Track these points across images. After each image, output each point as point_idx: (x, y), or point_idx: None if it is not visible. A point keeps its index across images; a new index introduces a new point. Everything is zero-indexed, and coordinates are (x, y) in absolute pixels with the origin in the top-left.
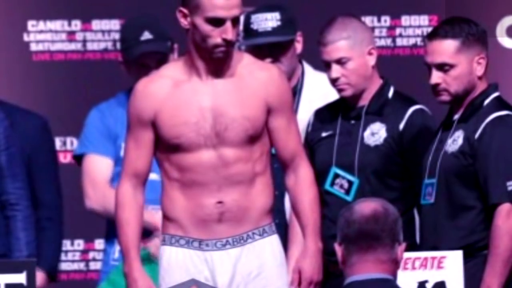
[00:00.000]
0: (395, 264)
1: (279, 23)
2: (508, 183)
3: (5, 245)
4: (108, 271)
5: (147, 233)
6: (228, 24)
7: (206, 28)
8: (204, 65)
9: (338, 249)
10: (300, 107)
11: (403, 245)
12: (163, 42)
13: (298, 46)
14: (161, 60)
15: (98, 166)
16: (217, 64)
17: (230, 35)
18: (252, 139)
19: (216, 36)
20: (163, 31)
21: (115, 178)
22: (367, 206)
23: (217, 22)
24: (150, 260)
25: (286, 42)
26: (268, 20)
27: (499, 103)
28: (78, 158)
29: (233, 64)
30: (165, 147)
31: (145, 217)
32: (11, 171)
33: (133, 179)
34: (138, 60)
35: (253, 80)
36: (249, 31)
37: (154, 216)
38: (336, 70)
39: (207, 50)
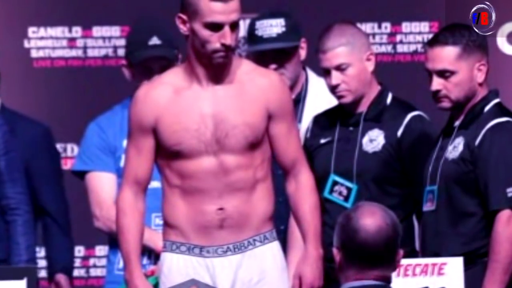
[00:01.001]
0: (393, 271)
1: (284, 29)
2: (508, 190)
3: (5, 250)
4: (113, 281)
5: (156, 257)
6: (227, 29)
7: (205, 33)
8: (204, 71)
9: (336, 253)
10: (304, 114)
11: (401, 252)
12: (170, 48)
13: (302, 53)
14: (165, 66)
15: (102, 184)
16: (217, 70)
17: (228, 40)
18: (252, 146)
19: (215, 41)
20: (171, 37)
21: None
22: (373, 224)
23: (215, 27)
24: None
25: (291, 48)
26: (273, 27)
27: (499, 110)
28: (78, 173)
29: (233, 70)
30: (166, 154)
31: (149, 240)
32: (10, 175)
33: (134, 186)
34: (143, 63)
35: (253, 86)
36: (253, 37)
37: (157, 242)
38: (336, 77)
39: (206, 56)
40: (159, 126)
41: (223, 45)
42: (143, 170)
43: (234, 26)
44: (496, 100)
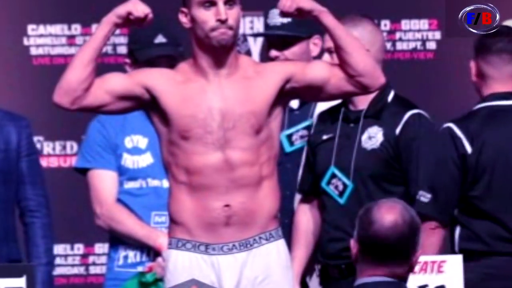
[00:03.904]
0: (409, 270)
1: (290, 20)
2: (420, 193)
3: (19, 251)
4: (113, 277)
5: (155, 254)
6: (220, 5)
7: (200, 14)
8: (208, 63)
9: (353, 245)
10: (316, 110)
11: (419, 252)
12: (176, 46)
13: (314, 49)
14: (171, 64)
15: (104, 183)
16: (220, 57)
17: (223, 14)
18: (258, 138)
19: (210, 20)
20: (176, 35)
21: (121, 188)
22: (388, 218)
23: (209, 5)
24: (157, 282)
25: (291, 38)
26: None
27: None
28: (80, 170)
29: (237, 63)
30: (173, 146)
31: (148, 238)
32: (31, 177)
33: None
34: (149, 62)
35: (258, 76)
36: (265, 24)
37: (156, 240)
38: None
39: (207, 39)
40: (163, 102)
41: (218, 20)
42: (98, 86)
43: (231, 4)
44: None
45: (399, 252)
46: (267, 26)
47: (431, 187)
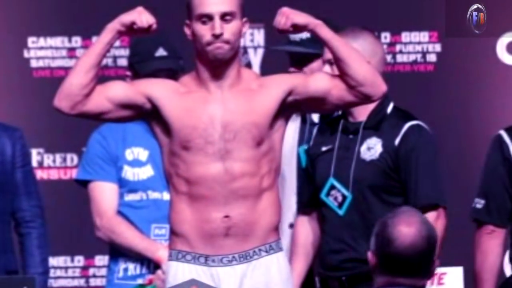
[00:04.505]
0: (428, 278)
1: (309, 35)
2: (475, 200)
3: (16, 262)
4: None
5: (155, 266)
6: (216, 19)
7: (198, 27)
8: (209, 75)
9: (371, 257)
10: None
11: (437, 262)
12: (176, 59)
13: None
14: (172, 78)
15: (104, 195)
16: (220, 70)
17: (218, 29)
18: (259, 150)
19: (207, 34)
20: (176, 48)
21: (121, 200)
22: (407, 235)
23: (206, 19)
24: None
25: (311, 54)
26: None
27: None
28: (81, 182)
29: (240, 76)
30: (174, 156)
31: (147, 250)
32: (26, 188)
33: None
34: (150, 75)
35: (261, 88)
36: (285, 38)
37: (156, 252)
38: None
39: (204, 53)
40: (165, 111)
41: (213, 35)
42: (98, 93)
43: (228, 18)
44: None
45: (418, 266)
46: (287, 39)
47: (484, 193)
